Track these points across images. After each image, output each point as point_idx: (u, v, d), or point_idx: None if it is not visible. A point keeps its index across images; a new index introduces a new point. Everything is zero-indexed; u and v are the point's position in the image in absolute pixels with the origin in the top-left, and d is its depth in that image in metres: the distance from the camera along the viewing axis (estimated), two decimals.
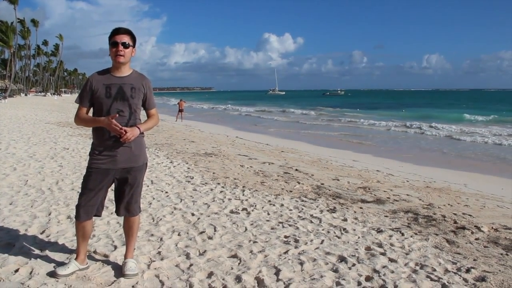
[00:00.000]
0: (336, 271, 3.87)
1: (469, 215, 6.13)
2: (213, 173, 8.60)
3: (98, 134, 3.44)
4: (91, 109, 3.53)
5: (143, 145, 3.62)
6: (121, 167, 3.45)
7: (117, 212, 3.68)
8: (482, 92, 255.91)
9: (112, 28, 3.44)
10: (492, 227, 5.47)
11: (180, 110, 30.32)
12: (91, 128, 3.53)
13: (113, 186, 3.59)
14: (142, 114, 3.59)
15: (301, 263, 3.99)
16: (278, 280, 3.65)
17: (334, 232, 5.03)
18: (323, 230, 5.11)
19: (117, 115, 3.33)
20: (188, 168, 9.01)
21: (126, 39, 3.40)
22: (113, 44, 3.39)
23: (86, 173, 3.50)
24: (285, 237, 4.80)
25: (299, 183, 7.97)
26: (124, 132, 3.30)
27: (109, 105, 3.39)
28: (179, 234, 4.73)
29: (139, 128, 3.42)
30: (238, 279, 3.62)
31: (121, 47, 3.37)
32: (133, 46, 3.48)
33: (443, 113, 41.69)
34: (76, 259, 3.61)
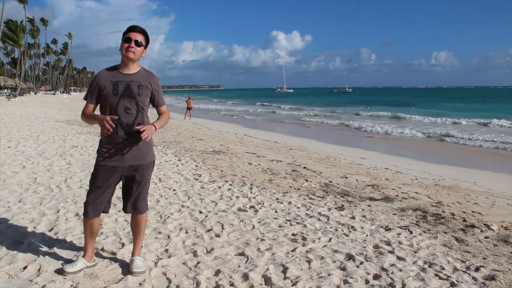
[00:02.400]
0: (344, 269, 3.86)
1: (479, 213, 6.08)
2: (221, 171, 8.60)
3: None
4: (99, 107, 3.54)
5: (151, 143, 3.63)
6: (128, 164, 3.46)
7: (125, 210, 3.68)
8: (491, 89, 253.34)
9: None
10: (502, 226, 5.42)
11: (189, 108, 30.35)
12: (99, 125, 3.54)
13: (120, 183, 3.60)
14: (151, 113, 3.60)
15: (309, 261, 3.98)
16: (285, 278, 3.64)
17: (342, 230, 5.01)
18: (331, 228, 5.09)
19: (116, 117, 3.32)
20: (196, 166, 9.02)
21: (140, 37, 3.43)
22: (126, 39, 3.40)
23: (93, 171, 3.51)
24: (293, 235, 4.79)
25: (307, 180, 7.95)
26: (111, 130, 3.28)
27: (116, 103, 3.39)
28: (186, 232, 4.73)
29: (155, 127, 3.44)
30: (246, 277, 3.61)
31: (133, 44, 3.39)
32: (145, 47, 3.50)
33: (452, 111, 41.50)
34: (83, 256, 3.62)
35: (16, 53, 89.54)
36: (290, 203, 6.21)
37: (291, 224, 5.17)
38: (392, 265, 3.98)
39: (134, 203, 3.62)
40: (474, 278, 3.75)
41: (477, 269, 3.94)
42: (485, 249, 4.53)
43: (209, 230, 4.81)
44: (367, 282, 3.62)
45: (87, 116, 3.50)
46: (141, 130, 3.30)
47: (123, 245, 4.20)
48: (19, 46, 75.51)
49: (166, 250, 4.15)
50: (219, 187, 7.04)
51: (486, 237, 4.97)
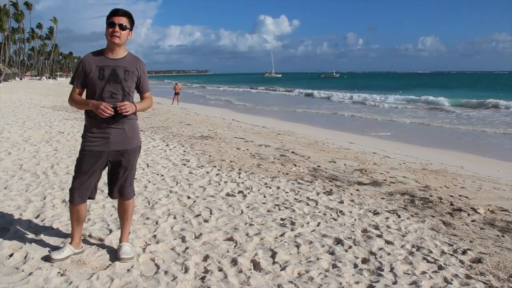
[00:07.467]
0: (332, 253, 3.87)
1: (466, 197, 6.14)
2: (209, 156, 8.57)
3: (90, 116, 3.39)
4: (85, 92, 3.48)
5: (137, 128, 3.58)
6: (114, 149, 3.41)
7: (111, 195, 3.65)
8: (477, 74, 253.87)
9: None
10: (488, 209, 5.47)
11: (176, 93, 30.16)
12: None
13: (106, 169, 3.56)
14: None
15: (298, 246, 3.99)
16: (274, 262, 3.64)
17: (331, 215, 5.02)
18: (319, 212, 5.10)
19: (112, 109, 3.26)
20: (184, 151, 8.98)
21: (123, 21, 3.35)
22: (110, 24, 3.32)
23: (79, 156, 3.46)
24: (281, 219, 4.79)
25: (295, 165, 7.95)
26: (112, 111, 3.24)
27: (102, 87, 3.33)
28: (174, 217, 4.71)
29: (135, 106, 3.39)
30: (234, 262, 3.61)
31: (117, 28, 3.31)
32: (130, 29, 3.43)
33: (439, 94, 41.73)
34: (71, 243, 3.59)
35: None
36: (278, 188, 6.20)
37: (279, 209, 5.17)
38: (380, 249, 4.00)
39: (121, 189, 3.58)
40: (461, 261, 3.79)
41: (464, 252, 3.98)
42: (472, 233, 4.58)
43: (197, 216, 4.79)
44: (355, 266, 3.64)
45: (76, 102, 3.43)
46: (119, 105, 3.27)
47: (110, 231, 4.16)
48: (3, 31, 74.17)
49: (154, 236, 4.13)
50: (207, 172, 7.01)
51: (473, 221, 5.02)
